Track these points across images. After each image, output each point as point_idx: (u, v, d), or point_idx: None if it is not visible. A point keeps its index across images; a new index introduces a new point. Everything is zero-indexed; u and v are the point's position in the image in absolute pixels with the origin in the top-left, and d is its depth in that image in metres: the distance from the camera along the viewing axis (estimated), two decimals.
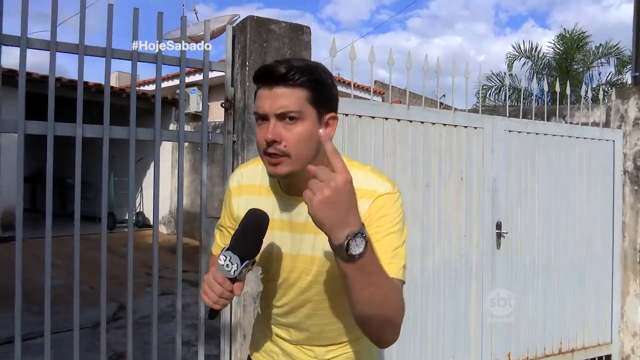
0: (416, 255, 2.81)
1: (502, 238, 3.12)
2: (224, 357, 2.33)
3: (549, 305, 3.33)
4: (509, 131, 3.17)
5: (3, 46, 1.91)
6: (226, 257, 1.02)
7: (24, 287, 1.90)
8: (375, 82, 16.05)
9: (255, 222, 1.05)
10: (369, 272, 0.90)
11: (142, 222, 9.75)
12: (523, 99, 14.02)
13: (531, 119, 3.41)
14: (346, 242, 0.84)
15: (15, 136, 1.92)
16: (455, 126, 2.95)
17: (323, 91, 1.07)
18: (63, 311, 4.58)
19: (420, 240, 2.83)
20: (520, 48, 13.21)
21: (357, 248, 0.85)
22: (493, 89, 13.26)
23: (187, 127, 7.68)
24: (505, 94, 3.50)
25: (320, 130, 1.02)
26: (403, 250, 1.07)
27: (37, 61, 11.30)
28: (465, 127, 2.98)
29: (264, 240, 1.06)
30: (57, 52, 1.98)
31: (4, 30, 1.88)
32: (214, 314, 1.08)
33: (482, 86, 13.80)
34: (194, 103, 9.56)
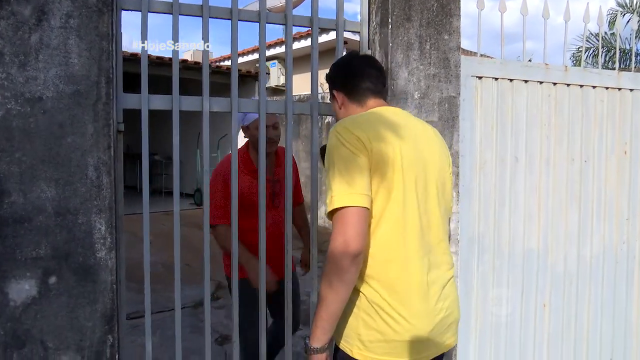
0: (572, 241, 2.40)
1: None
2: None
3: None
4: None
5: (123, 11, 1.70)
6: None
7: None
8: None
9: None
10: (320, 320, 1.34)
11: None
12: (625, 60, 12.54)
13: None
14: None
15: None
16: (619, 89, 2.46)
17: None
18: (162, 290, 4.57)
19: (577, 224, 2.41)
20: (625, 3, 11.82)
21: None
22: (591, 51, 12.08)
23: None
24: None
25: None
26: (332, 182, 1.30)
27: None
28: (631, 90, 2.49)
29: None
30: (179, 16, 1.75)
31: None
32: None
33: (578, 48, 12.61)
34: (274, 77, 9.39)
